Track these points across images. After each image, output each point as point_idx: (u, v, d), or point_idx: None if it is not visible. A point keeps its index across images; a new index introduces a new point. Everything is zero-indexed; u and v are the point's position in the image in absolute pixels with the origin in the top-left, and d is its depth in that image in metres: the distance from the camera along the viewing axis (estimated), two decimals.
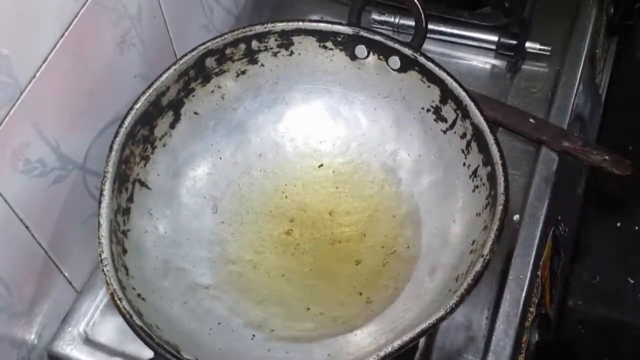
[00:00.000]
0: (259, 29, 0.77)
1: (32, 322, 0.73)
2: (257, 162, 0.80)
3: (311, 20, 0.80)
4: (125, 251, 0.68)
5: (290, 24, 0.78)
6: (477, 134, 0.71)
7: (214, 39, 0.76)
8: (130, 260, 0.68)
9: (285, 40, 0.78)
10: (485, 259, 0.63)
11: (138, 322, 0.62)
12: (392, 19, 0.93)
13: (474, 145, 0.72)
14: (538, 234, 0.78)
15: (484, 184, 0.70)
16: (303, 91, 0.81)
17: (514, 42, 0.91)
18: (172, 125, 0.77)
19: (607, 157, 0.82)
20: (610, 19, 1.00)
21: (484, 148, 0.70)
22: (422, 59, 0.75)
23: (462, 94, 0.73)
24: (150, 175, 0.75)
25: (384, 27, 0.93)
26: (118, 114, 0.73)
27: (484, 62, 0.92)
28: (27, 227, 0.68)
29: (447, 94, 0.74)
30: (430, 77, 0.75)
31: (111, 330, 0.76)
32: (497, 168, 0.68)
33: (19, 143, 0.64)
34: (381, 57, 0.78)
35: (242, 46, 0.78)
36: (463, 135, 0.74)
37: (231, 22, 0.94)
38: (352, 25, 0.78)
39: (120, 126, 0.71)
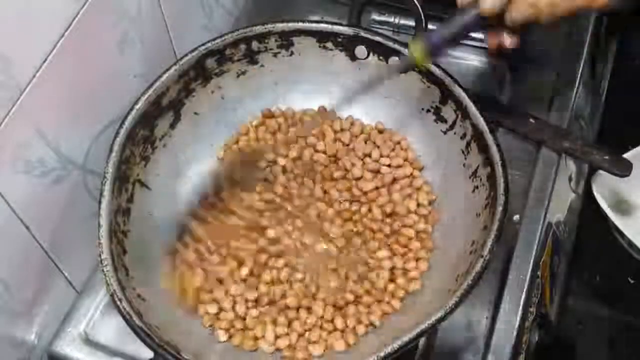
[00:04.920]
0: (259, 29, 0.77)
1: (32, 322, 0.73)
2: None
3: (311, 21, 0.80)
4: (125, 251, 0.69)
5: (290, 24, 0.78)
6: (477, 135, 0.71)
7: (214, 39, 0.76)
8: (130, 260, 0.68)
9: (286, 40, 0.78)
10: (485, 260, 0.63)
11: (138, 322, 0.63)
12: (392, 19, 0.93)
13: (473, 145, 0.72)
14: (538, 234, 0.78)
15: (483, 185, 0.70)
16: (303, 92, 0.81)
17: None
18: (172, 126, 0.77)
19: (607, 157, 0.82)
20: (610, 19, 1.00)
21: (483, 149, 0.70)
22: None
23: (462, 95, 0.73)
24: (150, 175, 0.75)
25: (384, 27, 0.93)
26: (118, 114, 0.73)
27: (484, 62, 0.92)
28: (27, 227, 0.68)
29: (447, 95, 0.74)
30: (430, 78, 0.75)
31: (111, 330, 0.76)
32: (497, 169, 0.68)
33: (19, 143, 0.64)
34: (381, 57, 0.78)
35: (242, 47, 0.78)
36: (463, 136, 0.74)
37: (231, 22, 0.94)
38: (352, 25, 0.78)
39: (120, 126, 0.71)
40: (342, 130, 0.80)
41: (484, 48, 0.92)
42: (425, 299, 0.70)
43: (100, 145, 0.74)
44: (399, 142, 0.79)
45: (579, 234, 0.89)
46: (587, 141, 0.86)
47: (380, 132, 0.80)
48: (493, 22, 0.64)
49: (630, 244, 0.91)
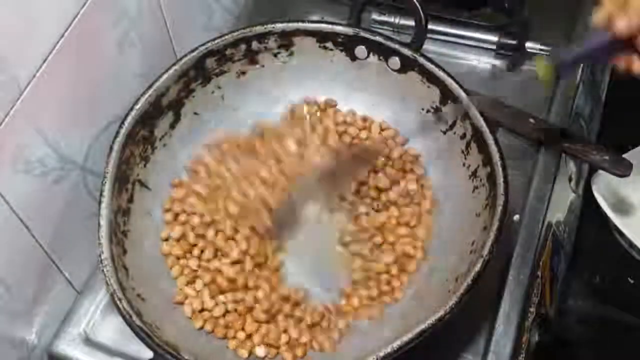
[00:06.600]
0: (259, 29, 0.77)
1: (32, 322, 0.73)
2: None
3: (311, 21, 0.80)
4: (125, 251, 0.69)
5: (290, 24, 0.78)
6: (477, 135, 0.71)
7: (214, 39, 0.76)
8: (130, 260, 0.69)
9: (286, 41, 0.78)
10: (484, 260, 0.63)
11: (138, 322, 0.63)
12: (392, 19, 0.93)
13: (473, 145, 0.72)
14: (538, 234, 0.78)
15: (483, 185, 0.70)
16: (303, 92, 0.81)
17: (514, 42, 0.91)
18: (172, 126, 0.77)
19: (607, 157, 0.82)
20: None
21: (483, 148, 0.70)
22: (422, 60, 0.75)
23: (462, 95, 0.73)
24: (150, 175, 0.75)
25: (384, 27, 0.93)
26: (118, 114, 0.73)
27: (484, 62, 0.92)
28: (27, 227, 0.68)
29: (447, 95, 0.74)
30: (430, 78, 0.75)
31: (111, 330, 0.76)
32: (497, 168, 0.68)
33: (19, 143, 0.64)
34: (381, 57, 0.78)
35: (243, 47, 0.78)
36: (463, 136, 0.74)
37: (231, 22, 0.94)
38: (352, 25, 0.79)
39: (120, 126, 0.71)
40: (345, 122, 0.80)
41: (484, 48, 0.92)
42: (425, 300, 0.70)
43: (100, 145, 0.74)
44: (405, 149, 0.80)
45: (579, 234, 0.89)
46: (587, 141, 0.86)
47: (383, 129, 0.80)
48: (626, 45, 0.60)
49: (631, 244, 0.90)
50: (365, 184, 0.77)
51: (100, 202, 0.68)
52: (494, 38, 0.92)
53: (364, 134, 0.79)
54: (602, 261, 0.96)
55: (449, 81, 0.73)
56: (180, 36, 0.84)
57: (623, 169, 0.82)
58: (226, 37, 0.77)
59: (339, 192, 0.76)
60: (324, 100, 0.81)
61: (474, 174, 0.72)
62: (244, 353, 0.69)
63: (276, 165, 0.75)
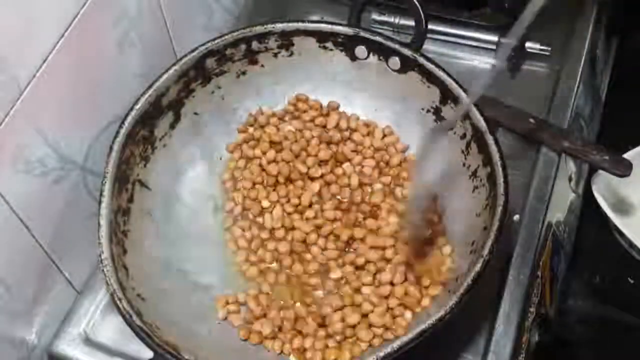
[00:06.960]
0: (259, 29, 0.77)
1: (32, 322, 0.73)
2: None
3: (311, 21, 0.80)
4: (125, 251, 0.69)
5: (290, 24, 0.78)
6: (477, 135, 0.71)
7: (214, 39, 0.76)
8: (130, 260, 0.69)
9: (286, 40, 0.78)
10: (484, 260, 0.63)
11: (138, 322, 0.63)
12: (392, 19, 0.93)
13: (473, 145, 0.72)
14: (538, 234, 0.78)
15: (483, 185, 0.70)
16: (303, 92, 0.81)
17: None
18: (172, 126, 0.77)
19: (607, 157, 0.82)
20: (610, 19, 1.00)
21: (483, 148, 0.70)
22: (422, 60, 0.75)
23: (462, 95, 0.73)
24: (150, 175, 0.75)
25: (384, 27, 0.93)
26: (118, 114, 0.73)
27: (484, 62, 0.92)
28: (27, 227, 0.68)
29: (447, 95, 0.74)
30: (430, 78, 0.75)
31: (111, 330, 0.76)
32: (497, 168, 0.68)
33: (19, 143, 0.64)
34: (381, 57, 0.78)
35: (243, 47, 0.78)
36: (463, 136, 0.74)
37: (231, 22, 0.94)
38: (352, 25, 0.79)
39: (120, 126, 0.71)
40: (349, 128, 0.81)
41: (484, 48, 0.92)
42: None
43: (100, 145, 0.74)
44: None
45: (579, 234, 0.89)
46: (587, 141, 0.86)
47: (386, 135, 0.80)
48: None
49: (631, 244, 0.90)
50: (361, 203, 0.77)
51: (100, 202, 0.68)
52: (494, 38, 0.92)
53: (367, 141, 0.79)
54: (602, 261, 0.96)
55: (449, 81, 0.73)
56: (180, 36, 0.84)
57: (623, 169, 0.82)
58: (226, 37, 0.77)
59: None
60: (327, 104, 0.81)
61: (474, 174, 0.72)
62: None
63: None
